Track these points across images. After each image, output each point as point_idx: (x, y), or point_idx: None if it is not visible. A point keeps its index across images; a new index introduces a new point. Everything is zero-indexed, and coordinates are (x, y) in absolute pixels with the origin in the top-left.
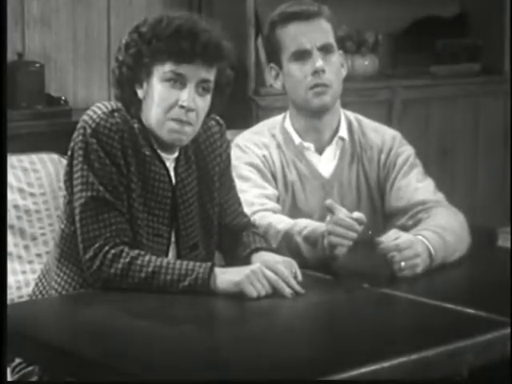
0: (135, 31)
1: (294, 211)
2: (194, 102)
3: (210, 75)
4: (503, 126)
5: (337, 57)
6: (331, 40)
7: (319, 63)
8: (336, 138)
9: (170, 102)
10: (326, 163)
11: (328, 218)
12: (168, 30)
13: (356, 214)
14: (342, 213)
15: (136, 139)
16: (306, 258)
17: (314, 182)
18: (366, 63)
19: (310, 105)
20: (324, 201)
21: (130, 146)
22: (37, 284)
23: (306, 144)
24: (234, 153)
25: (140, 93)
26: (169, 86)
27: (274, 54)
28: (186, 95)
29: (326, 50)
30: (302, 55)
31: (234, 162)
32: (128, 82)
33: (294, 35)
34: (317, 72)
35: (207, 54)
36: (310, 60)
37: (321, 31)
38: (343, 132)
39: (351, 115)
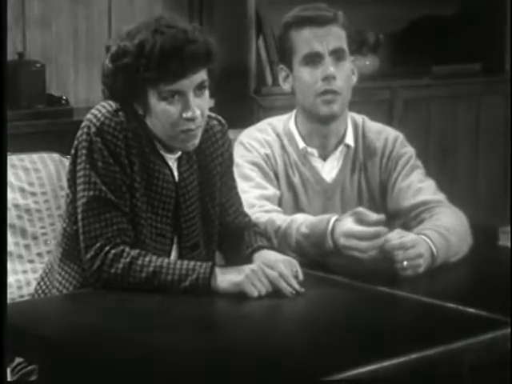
0: (117, 59)
1: (297, 212)
2: (197, 106)
3: (204, 75)
4: (503, 126)
5: (348, 64)
6: (344, 46)
7: (331, 69)
8: (341, 146)
9: (175, 117)
10: (329, 169)
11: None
12: (153, 56)
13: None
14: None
15: (140, 139)
16: (308, 254)
17: (316, 187)
18: (366, 63)
19: (317, 111)
20: (326, 205)
21: (134, 146)
22: (39, 283)
23: (310, 149)
24: (238, 150)
25: (139, 109)
26: (169, 102)
27: (285, 55)
28: (188, 107)
29: (338, 55)
30: (313, 59)
31: (237, 159)
32: (122, 101)
33: (308, 38)
34: (327, 78)
35: (198, 64)
36: (321, 65)
37: (334, 36)
38: (349, 139)
39: (359, 118)
